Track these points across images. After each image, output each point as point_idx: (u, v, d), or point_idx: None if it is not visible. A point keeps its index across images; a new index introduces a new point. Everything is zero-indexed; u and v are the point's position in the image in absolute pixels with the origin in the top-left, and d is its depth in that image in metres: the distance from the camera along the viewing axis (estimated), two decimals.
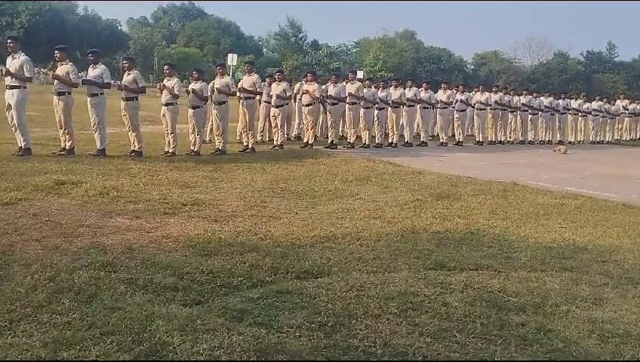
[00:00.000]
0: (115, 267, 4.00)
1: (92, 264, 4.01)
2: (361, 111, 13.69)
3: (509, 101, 17.43)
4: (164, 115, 10.45)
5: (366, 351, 3.00)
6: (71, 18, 57.69)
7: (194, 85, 10.83)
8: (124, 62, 10.62)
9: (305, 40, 72.11)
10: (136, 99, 10.03)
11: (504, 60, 72.09)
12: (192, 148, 10.76)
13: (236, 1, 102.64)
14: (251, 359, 2.81)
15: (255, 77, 12.07)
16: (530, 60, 75.06)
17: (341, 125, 14.50)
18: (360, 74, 37.21)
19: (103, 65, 9.82)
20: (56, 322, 3.04)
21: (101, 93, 9.68)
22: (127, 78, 10.03)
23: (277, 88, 12.73)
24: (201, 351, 2.84)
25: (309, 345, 3.01)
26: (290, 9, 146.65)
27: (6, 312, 3.13)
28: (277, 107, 12.64)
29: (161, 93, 10.52)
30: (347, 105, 13.48)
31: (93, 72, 9.69)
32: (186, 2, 78.42)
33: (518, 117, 17.90)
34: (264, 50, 75.75)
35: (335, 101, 13.42)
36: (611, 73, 70.92)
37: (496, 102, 16.90)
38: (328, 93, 13.49)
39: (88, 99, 9.65)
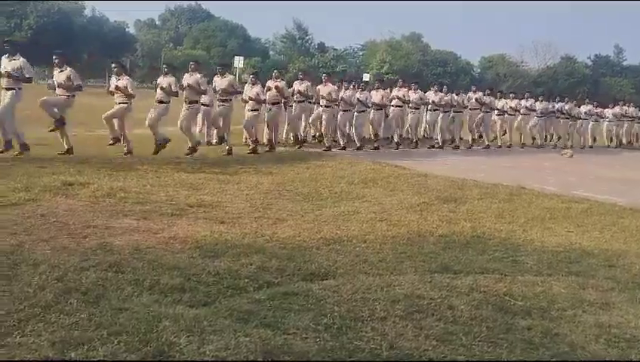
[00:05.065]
0: (123, 268, 4.01)
1: (99, 264, 4.03)
2: (354, 114, 13.68)
3: (491, 102, 16.72)
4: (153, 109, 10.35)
5: (372, 352, 3.01)
6: (78, 20, 57.95)
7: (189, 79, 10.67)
8: (113, 66, 10.42)
9: (311, 42, 72.22)
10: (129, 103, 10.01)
11: (511, 64, 71.90)
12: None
13: (243, 0, 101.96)
14: (258, 360, 2.82)
15: (230, 77, 11.76)
16: (537, 64, 74.78)
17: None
18: (366, 77, 37.26)
19: (69, 68, 9.63)
20: (63, 322, 3.06)
21: (72, 96, 9.58)
22: (119, 82, 9.98)
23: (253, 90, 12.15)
24: (208, 352, 2.85)
25: (315, 346, 3.01)
26: (296, 11, 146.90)
27: (14, 312, 3.15)
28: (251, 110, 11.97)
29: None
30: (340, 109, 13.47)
31: (60, 76, 9.53)
32: (193, 3, 78.53)
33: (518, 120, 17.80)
34: (271, 52, 75.82)
35: (329, 104, 13.29)
36: (619, 77, 70.62)
37: (476, 99, 16.30)
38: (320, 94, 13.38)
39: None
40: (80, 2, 60.32)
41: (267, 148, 12.30)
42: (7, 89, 8.96)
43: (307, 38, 72.20)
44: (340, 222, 6.05)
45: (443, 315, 3.56)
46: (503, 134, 17.79)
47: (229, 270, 4.16)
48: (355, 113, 13.89)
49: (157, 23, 78.67)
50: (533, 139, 18.42)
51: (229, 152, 11.16)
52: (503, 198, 8.04)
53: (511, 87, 45.26)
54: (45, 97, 9.59)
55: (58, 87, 9.48)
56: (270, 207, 6.63)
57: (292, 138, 13.94)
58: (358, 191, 7.98)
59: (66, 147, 9.58)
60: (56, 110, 9.47)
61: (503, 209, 7.28)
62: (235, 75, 23.99)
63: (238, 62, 41.20)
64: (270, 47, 77.43)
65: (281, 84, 12.56)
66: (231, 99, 11.61)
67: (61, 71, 9.57)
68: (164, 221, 5.58)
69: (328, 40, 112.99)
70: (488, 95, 16.69)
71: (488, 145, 16.77)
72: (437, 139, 15.71)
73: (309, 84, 13.58)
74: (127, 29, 65.65)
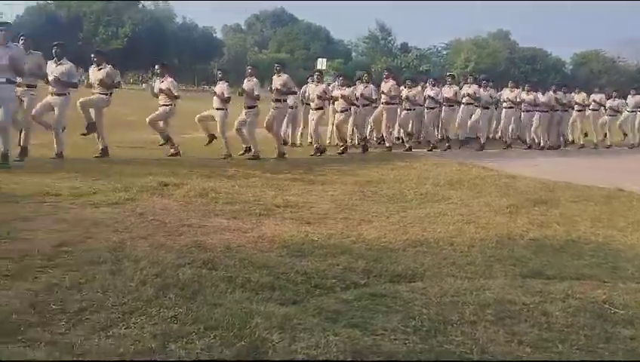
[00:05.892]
0: (216, 265, 4.17)
1: (194, 262, 4.21)
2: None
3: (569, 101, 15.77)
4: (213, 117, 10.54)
5: (462, 356, 2.97)
6: (170, 26, 60.66)
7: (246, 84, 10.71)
8: (156, 67, 10.40)
9: (394, 43, 71.72)
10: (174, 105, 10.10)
11: (606, 60, 68.10)
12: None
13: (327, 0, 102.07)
14: (347, 359, 2.85)
15: (285, 77, 11.15)
16: (637, 59, 70.16)
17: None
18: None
19: (109, 66, 9.55)
20: (164, 315, 3.22)
21: (110, 94, 9.50)
22: (162, 84, 10.11)
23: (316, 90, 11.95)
24: (299, 350, 2.91)
25: (404, 348, 3.01)
26: (380, 12, 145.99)
27: (119, 305, 3.35)
28: (316, 109, 11.90)
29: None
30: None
31: (98, 75, 9.47)
32: (278, 6, 79.98)
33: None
34: (353, 54, 75.99)
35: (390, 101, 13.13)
36: None
37: (556, 99, 15.30)
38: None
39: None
40: (170, 3, 62.52)
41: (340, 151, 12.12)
42: (58, 95, 8.97)
43: (390, 38, 71.78)
44: (426, 223, 5.98)
45: (537, 321, 3.45)
46: (585, 137, 16.72)
47: (317, 270, 4.22)
48: (425, 110, 13.65)
49: (243, 27, 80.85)
50: (624, 135, 17.35)
51: (281, 155, 10.90)
52: (599, 201, 7.66)
53: (606, 84, 42.70)
54: (83, 99, 9.49)
55: (97, 84, 9.40)
56: (355, 208, 6.66)
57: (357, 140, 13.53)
58: (444, 192, 7.86)
59: (100, 147, 9.47)
60: (92, 111, 9.42)
61: (599, 212, 6.94)
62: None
63: (321, 64, 41.51)
64: (353, 48, 77.62)
65: (347, 91, 12.25)
66: (285, 100, 11.27)
67: (100, 69, 9.50)
68: (252, 220, 5.74)
69: (412, 39, 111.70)
70: (565, 93, 15.81)
71: (583, 144, 16.10)
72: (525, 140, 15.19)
73: (373, 87, 13.17)
74: (214, 35, 68.10)
